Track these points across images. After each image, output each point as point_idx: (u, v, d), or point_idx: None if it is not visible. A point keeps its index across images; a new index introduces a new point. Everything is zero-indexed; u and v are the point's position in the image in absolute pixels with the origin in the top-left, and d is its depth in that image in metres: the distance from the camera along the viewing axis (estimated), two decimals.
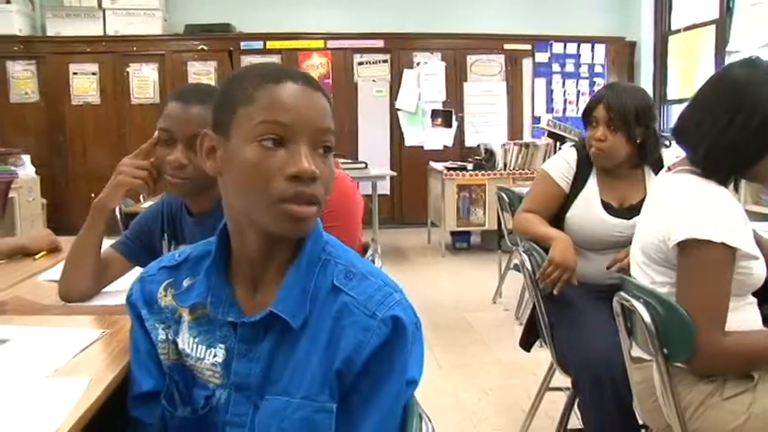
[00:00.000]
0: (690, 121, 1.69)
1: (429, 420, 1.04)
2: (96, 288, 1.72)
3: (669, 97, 7.72)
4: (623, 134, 2.27)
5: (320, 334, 0.99)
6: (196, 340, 1.05)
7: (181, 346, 1.07)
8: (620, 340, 1.81)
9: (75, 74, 7.56)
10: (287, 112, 0.95)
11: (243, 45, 7.75)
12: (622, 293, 1.71)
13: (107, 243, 1.79)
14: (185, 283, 1.09)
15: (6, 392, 1.02)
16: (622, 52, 8.17)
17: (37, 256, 2.27)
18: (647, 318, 1.59)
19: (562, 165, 2.45)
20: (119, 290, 1.72)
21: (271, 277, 1.03)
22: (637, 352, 1.77)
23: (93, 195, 6.23)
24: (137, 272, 1.70)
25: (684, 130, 1.71)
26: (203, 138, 1.04)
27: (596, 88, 7.83)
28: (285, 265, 1.03)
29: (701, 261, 1.54)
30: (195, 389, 1.06)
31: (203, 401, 1.04)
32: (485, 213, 6.48)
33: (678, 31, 7.58)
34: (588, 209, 2.37)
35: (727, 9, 6.64)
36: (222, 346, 1.03)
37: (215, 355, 1.03)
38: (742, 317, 1.59)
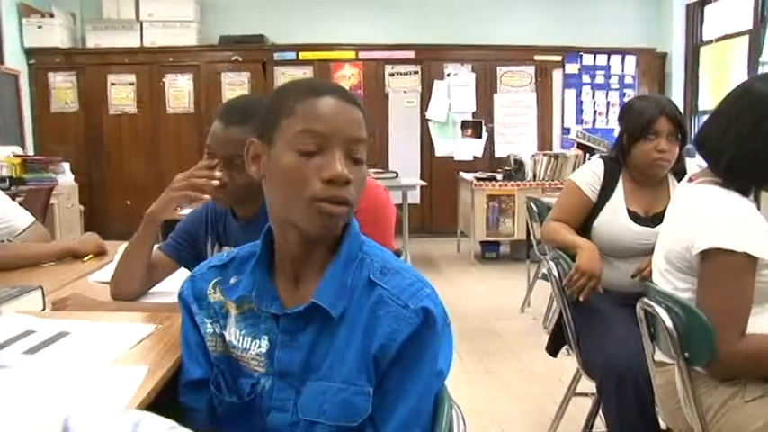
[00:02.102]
0: (712, 133, 1.74)
1: (459, 410, 1.11)
2: (144, 289, 1.82)
3: (700, 108, 7.70)
4: (679, 143, 2.35)
5: (357, 324, 1.08)
6: (242, 332, 1.15)
7: (228, 338, 1.17)
8: (644, 345, 1.87)
9: (113, 84, 7.76)
10: (323, 123, 1.06)
11: (276, 56, 7.90)
12: (645, 299, 1.77)
13: None
14: (232, 280, 1.18)
15: (74, 379, 1.12)
16: (653, 63, 8.17)
17: (85, 259, 2.39)
18: (668, 323, 1.65)
19: (589, 175, 2.51)
20: (165, 290, 1.82)
21: (311, 274, 1.13)
22: (659, 356, 1.82)
23: (128, 202, 6.43)
24: (183, 272, 1.81)
25: (706, 141, 1.76)
26: (250, 145, 1.15)
27: (627, 100, 7.81)
28: (325, 261, 1.13)
29: (723, 269, 1.59)
30: (241, 377, 1.15)
31: (249, 389, 1.13)
32: (514, 223, 6.53)
33: (710, 41, 7.57)
34: (615, 218, 2.43)
35: (761, 19, 6.63)
36: (266, 337, 1.12)
37: (259, 346, 1.13)
38: (761, 323, 1.63)
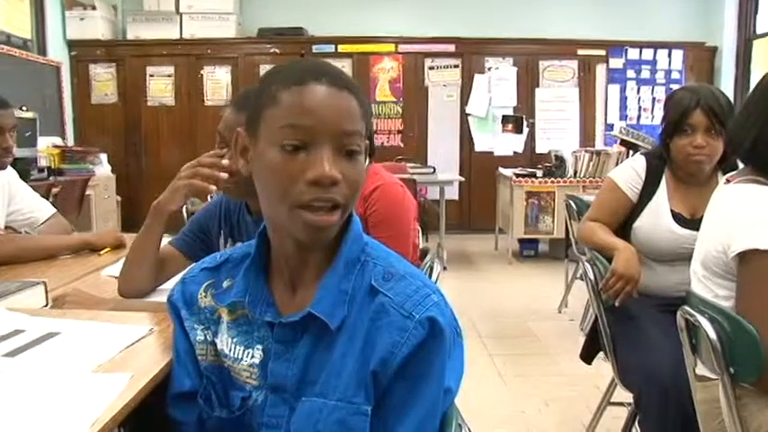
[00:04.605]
0: (738, 122, 1.68)
1: (470, 431, 1.00)
2: (154, 285, 1.74)
3: None
4: (721, 137, 2.18)
5: (357, 335, 0.97)
6: (234, 341, 1.05)
7: (219, 346, 1.07)
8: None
9: (151, 76, 7.80)
10: (308, 116, 0.93)
11: (315, 48, 7.84)
12: (686, 308, 1.64)
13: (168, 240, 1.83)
14: (225, 283, 1.08)
15: (50, 385, 1.03)
16: (702, 58, 7.91)
17: (102, 252, 2.33)
18: (712, 335, 1.51)
19: (630, 173, 2.37)
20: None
21: (309, 278, 1.02)
22: (701, 370, 1.68)
23: None
24: None
25: (732, 131, 1.71)
26: (237, 137, 1.04)
27: None
28: (323, 266, 1.01)
29: (765, 272, 1.46)
30: (232, 390, 1.05)
31: (240, 402, 1.03)
32: (553, 221, 6.36)
33: (764, 35, 7.29)
34: (657, 219, 2.29)
35: None
36: (260, 347, 1.02)
37: (252, 356, 1.03)
38: None
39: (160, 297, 1.70)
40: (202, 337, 1.09)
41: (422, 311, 0.94)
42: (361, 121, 0.97)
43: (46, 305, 1.59)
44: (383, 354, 0.94)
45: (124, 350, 1.19)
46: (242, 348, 1.04)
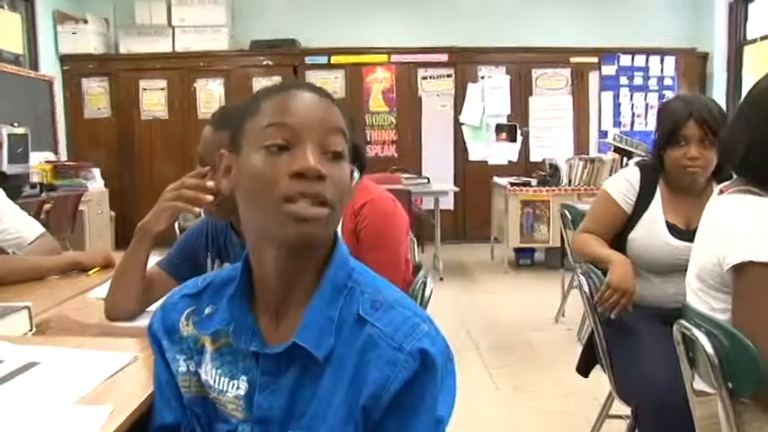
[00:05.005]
0: (728, 136, 1.67)
1: None
2: (141, 307, 1.71)
3: None
4: (715, 147, 2.15)
5: (345, 367, 0.93)
6: (219, 372, 1.01)
7: (204, 377, 1.03)
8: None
9: (144, 89, 7.78)
10: (292, 114, 0.94)
11: (308, 60, 7.85)
12: (683, 321, 1.61)
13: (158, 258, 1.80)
14: (207, 310, 1.05)
15: (28, 418, 1.00)
16: (694, 64, 7.91)
17: (90, 272, 2.30)
18: (709, 349, 1.48)
19: (624, 185, 2.35)
20: None
21: (294, 306, 0.99)
22: (699, 384, 1.66)
23: None
24: None
25: (725, 146, 1.71)
26: (221, 158, 1.03)
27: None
28: (309, 292, 0.98)
29: (760, 284, 1.43)
30: (217, 423, 1.01)
31: None
32: (549, 230, 6.33)
33: (755, 40, 7.30)
34: (652, 231, 2.27)
35: None
36: (245, 378, 0.99)
37: (237, 388, 0.99)
38: None
39: (147, 320, 1.67)
40: (185, 368, 1.05)
41: (412, 343, 0.91)
42: (342, 123, 0.97)
43: (30, 330, 1.55)
44: (374, 389, 0.91)
45: (106, 380, 1.15)
46: (227, 379, 1.00)
